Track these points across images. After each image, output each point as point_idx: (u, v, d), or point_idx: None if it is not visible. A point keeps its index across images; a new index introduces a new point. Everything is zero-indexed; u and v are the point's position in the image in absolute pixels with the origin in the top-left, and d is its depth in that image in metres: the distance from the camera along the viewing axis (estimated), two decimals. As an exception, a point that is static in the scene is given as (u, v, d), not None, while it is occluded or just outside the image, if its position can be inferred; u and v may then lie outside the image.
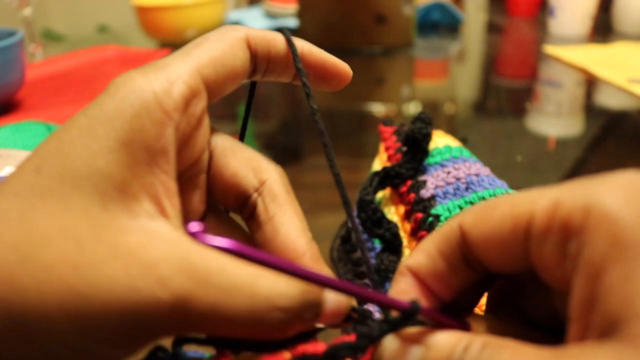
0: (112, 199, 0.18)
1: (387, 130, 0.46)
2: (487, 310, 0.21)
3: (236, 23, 1.23)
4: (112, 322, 0.16)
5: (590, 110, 0.82)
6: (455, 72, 1.04)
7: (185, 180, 0.22)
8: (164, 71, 0.19)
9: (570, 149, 0.67)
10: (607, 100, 0.84)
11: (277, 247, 0.22)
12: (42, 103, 0.80)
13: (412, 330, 0.18)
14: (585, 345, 0.14)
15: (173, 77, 0.19)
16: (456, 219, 0.19)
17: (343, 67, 0.25)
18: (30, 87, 0.84)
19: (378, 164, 0.45)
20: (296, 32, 1.06)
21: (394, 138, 0.44)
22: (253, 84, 0.26)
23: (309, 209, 0.53)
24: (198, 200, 0.23)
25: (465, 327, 0.19)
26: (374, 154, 0.48)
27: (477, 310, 0.21)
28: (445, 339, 0.17)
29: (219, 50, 0.21)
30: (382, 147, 0.45)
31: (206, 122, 0.22)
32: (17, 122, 0.48)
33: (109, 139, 0.18)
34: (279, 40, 0.24)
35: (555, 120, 0.78)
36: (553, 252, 0.16)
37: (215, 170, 0.23)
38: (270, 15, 1.24)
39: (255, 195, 0.23)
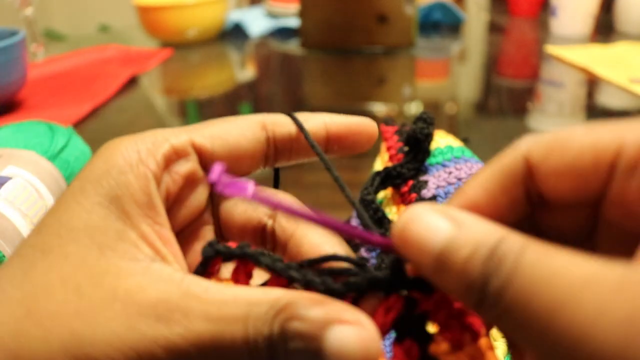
0: (109, 247, 0.19)
1: (388, 130, 0.46)
2: None
3: (237, 23, 1.23)
4: None
5: (592, 110, 0.82)
6: (457, 72, 1.04)
7: (188, 234, 0.23)
8: (153, 135, 0.21)
9: (571, 149, 0.67)
10: (609, 100, 0.84)
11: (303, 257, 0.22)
12: (43, 103, 0.80)
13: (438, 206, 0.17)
14: None
15: (159, 140, 0.21)
16: (518, 151, 0.18)
17: (367, 126, 0.25)
18: (32, 87, 0.84)
19: (379, 164, 0.45)
20: (297, 32, 1.06)
21: (395, 138, 0.44)
22: (276, 171, 0.26)
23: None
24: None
25: None
26: (375, 153, 0.48)
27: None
28: (478, 223, 0.16)
29: (221, 127, 0.22)
30: (383, 147, 0.45)
31: (201, 185, 0.23)
32: (19, 121, 0.48)
33: (98, 195, 0.19)
34: (291, 123, 0.24)
35: (556, 120, 0.78)
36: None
37: (226, 216, 0.24)
38: (272, 15, 1.24)
39: (270, 222, 0.23)
